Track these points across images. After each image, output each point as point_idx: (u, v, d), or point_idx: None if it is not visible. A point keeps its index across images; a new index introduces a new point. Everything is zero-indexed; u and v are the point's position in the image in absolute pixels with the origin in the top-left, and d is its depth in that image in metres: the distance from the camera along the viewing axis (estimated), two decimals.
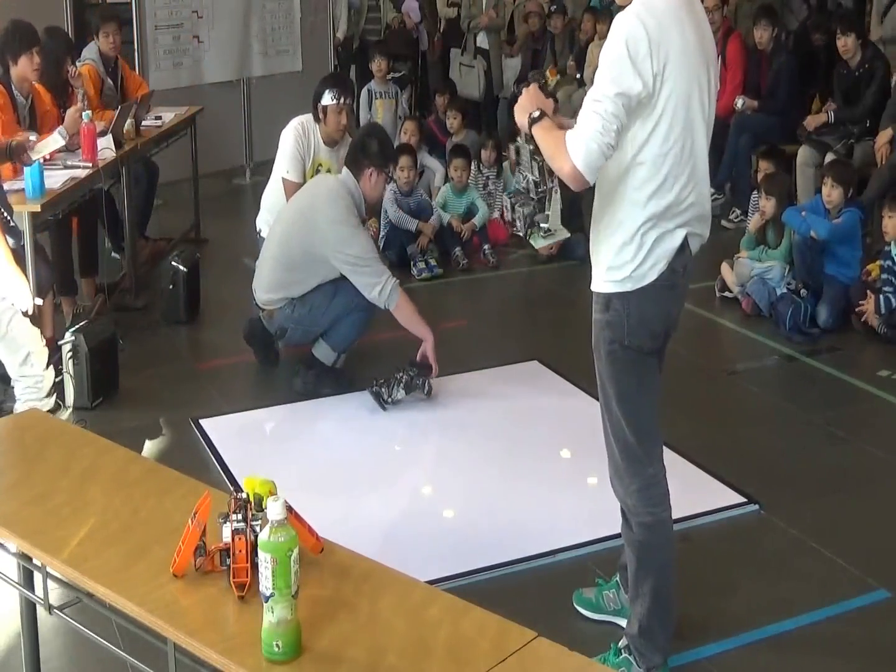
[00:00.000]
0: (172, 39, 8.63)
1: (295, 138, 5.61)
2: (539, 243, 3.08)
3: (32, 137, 4.72)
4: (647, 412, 3.00)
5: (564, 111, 8.96)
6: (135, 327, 5.81)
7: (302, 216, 5.01)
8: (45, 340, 4.43)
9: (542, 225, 2.94)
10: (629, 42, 2.65)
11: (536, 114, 2.79)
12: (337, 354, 5.08)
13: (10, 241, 3.93)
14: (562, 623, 3.30)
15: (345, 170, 5.07)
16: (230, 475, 4.27)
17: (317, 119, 5.65)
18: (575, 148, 2.64)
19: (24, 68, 5.44)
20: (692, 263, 2.94)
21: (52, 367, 4.16)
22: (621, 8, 2.78)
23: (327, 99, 5.56)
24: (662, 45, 2.67)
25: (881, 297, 5.61)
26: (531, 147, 2.86)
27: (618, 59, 2.66)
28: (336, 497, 4.23)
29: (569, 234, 3.06)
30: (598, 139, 2.63)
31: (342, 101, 5.58)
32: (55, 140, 5.18)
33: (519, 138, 2.99)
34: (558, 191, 2.88)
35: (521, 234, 3.08)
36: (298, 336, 5.12)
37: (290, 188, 5.47)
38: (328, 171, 5.62)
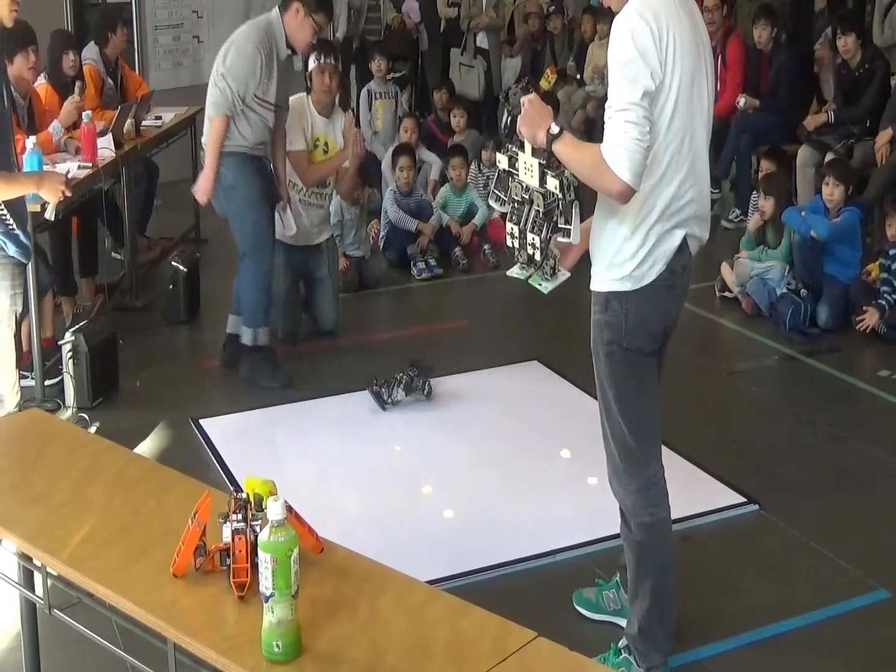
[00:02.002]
0: (172, 39, 8.65)
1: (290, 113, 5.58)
2: (547, 287, 2.94)
3: (30, 142, 4.69)
4: (646, 412, 2.99)
5: (565, 111, 9.08)
6: (135, 327, 5.81)
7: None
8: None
9: (560, 237, 2.78)
10: (635, 38, 2.64)
11: (556, 129, 2.69)
12: (252, 331, 5.09)
13: (12, 248, 3.83)
14: (562, 623, 3.30)
15: (276, 7, 5.07)
16: (230, 475, 4.27)
17: (308, 91, 5.64)
18: (619, 163, 2.59)
19: (20, 67, 5.41)
20: (691, 263, 2.94)
21: (18, 393, 4.01)
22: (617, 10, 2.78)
23: (311, 63, 5.57)
24: (663, 37, 2.67)
25: (880, 303, 5.62)
26: (541, 161, 2.75)
27: (631, 60, 2.64)
28: (336, 497, 4.23)
29: (569, 274, 2.95)
30: (638, 147, 2.60)
31: (322, 60, 5.53)
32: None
33: (513, 147, 2.85)
34: (578, 204, 2.77)
35: (531, 261, 2.91)
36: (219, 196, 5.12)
37: (300, 157, 5.49)
38: (325, 144, 5.60)
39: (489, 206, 7.11)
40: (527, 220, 2.85)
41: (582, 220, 2.82)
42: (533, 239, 2.85)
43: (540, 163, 2.76)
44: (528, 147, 2.79)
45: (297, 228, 5.49)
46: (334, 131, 5.64)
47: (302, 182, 5.54)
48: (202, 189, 5.04)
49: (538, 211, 2.81)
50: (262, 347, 5.15)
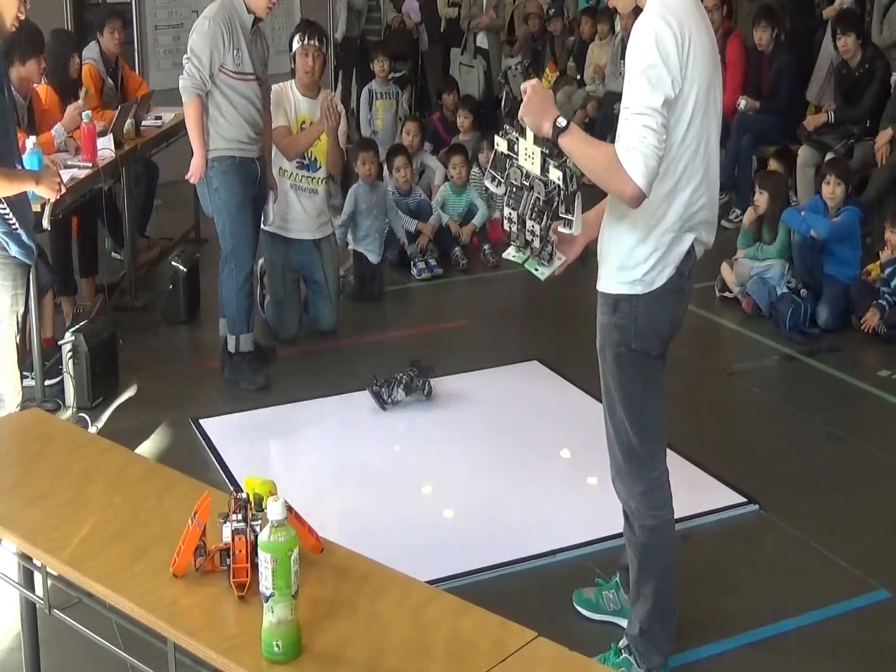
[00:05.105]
0: (172, 39, 8.65)
1: (273, 95, 5.54)
2: (544, 273, 2.87)
3: (30, 141, 4.69)
4: (652, 415, 2.98)
5: (564, 111, 9.07)
6: (135, 327, 5.81)
7: None
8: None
9: (561, 226, 2.71)
10: (659, 43, 2.61)
11: (563, 122, 2.62)
12: (234, 338, 5.12)
13: (14, 248, 3.82)
14: (562, 623, 3.30)
15: None
16: (230, 475, 4.27)
17: (293, 72, 5.62)
18: (635, 168, 2.55)
19: (31, 71, 5.42)
20: (695, 266, 2.94)
21: (19, 393, 3.98)
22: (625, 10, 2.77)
23: (295, 43, 5.54)
24: (685, 44, 2.65)
25: (880, 303, 5.61)
26: (544, 150, 2.67)
27: (654, 64, 2.60)
28: (336, 497, 4.24)
29: (565, 258, 2.89)
30: (654, 154, 2.56)
31: (306, 41, 5.50)
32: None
33: (514, 132, 2.75)
34: (580, 195, 2.68)
35: (528, 245, 2.85)
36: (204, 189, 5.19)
37: (279, 133, 5.46)
38: (311, 125, 5.57)
39: (488, 205, 7.17)
40: (525, 206, 2.79)
41: (583, 211, 2.77)
42: (532, 226, 2.79)
43: (542, 151, 2.68)
44: (529, 134, 2.70)
45: (295, 219, 5.50)
46: (318, 112, 5.61)
47: (283, 155, 5.52)
48: (192, 171, 5.14)
49: (538, 199, 2.74)
50: (245, 353, 5.15)
